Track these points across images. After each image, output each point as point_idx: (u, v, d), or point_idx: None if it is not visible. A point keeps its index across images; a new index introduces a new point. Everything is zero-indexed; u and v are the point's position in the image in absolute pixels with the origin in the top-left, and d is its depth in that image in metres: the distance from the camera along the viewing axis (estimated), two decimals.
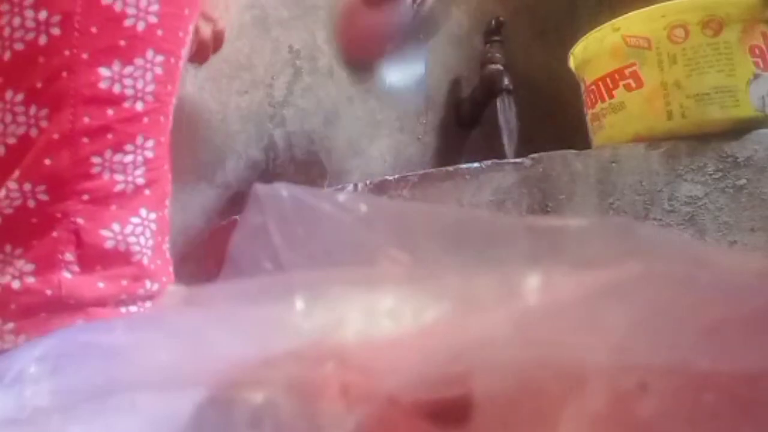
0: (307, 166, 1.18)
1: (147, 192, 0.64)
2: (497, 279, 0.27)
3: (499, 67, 1.20)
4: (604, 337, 0.24)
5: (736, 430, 0.24)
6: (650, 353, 0.24)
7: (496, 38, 1.22)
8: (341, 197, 0.34)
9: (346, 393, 0.26)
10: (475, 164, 0.78)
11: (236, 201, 1.12)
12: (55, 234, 0.59)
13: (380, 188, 0.81)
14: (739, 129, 0.75)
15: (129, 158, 0.62)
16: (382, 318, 0.28)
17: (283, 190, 0.34)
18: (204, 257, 0.97)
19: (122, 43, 0.61)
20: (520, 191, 0.76)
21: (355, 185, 0.83)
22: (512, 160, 0.79)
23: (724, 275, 0.25)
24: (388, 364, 0.27)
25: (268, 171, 1.15)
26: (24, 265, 0.59)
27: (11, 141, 0.59)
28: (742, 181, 0.73)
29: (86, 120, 0.60)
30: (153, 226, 0.64)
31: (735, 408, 0.24)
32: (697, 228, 0.72)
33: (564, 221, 0.29)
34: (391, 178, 0.81)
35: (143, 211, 0.63)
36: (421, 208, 0.34)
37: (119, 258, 0.61)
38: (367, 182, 0.83)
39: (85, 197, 0.60)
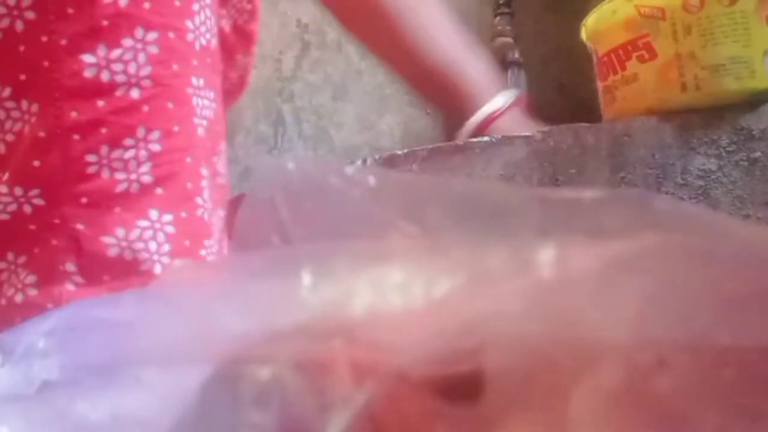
0: (316, 141, 1.18)
1: (159, 191, 0.56)
2: (509, 252, 0.26)
3: (509, 39, 1.18)
4: (620, 311, 0.24)
5: (756, 407, 0.23)
6: (668, 328, 0.23)
7: (506, 10, 1.21)
8: (349, 170, 0.33)
9: (355, 369, 0.26)
10: (485, 138, 0.77)
11: (245, 176, 1.12)
12: (54, 242, 0.54)
13: (389, 163, 0.80)
14: (755, 101, 0.73)
15: (130, 153, 0.55)
16: (391, 292, 0.27)
17: (289, 162, 0.34)
18: None
19: (104, 23, 0.54)
20: (530, 165, 0.75)
21: (364, 160, 0.82)
22: (522, 134, 0.78)
23: (744, 248, 0.25)
24: (398, 340, 0.26)
25: (276, 146, 1.15)
26: (26, 277, 0.54)
27: (10, 138, 0.54)
28: (757, 154, 0.71)
29: (74, 115, 0.54)
30: (169, 229, 0.57)
31: (756, 384, 0.23)
32: (710, 202, 0.71)
33: (578, 192, 0.28)
34: (400, 152, 0.80)
35: (153, 213, 0.56)
36: (430, 180, 0.33)
37: (126, 267, 0.55)
38: (376, 157, 0.82)
39: (84, 200, 0.54)
